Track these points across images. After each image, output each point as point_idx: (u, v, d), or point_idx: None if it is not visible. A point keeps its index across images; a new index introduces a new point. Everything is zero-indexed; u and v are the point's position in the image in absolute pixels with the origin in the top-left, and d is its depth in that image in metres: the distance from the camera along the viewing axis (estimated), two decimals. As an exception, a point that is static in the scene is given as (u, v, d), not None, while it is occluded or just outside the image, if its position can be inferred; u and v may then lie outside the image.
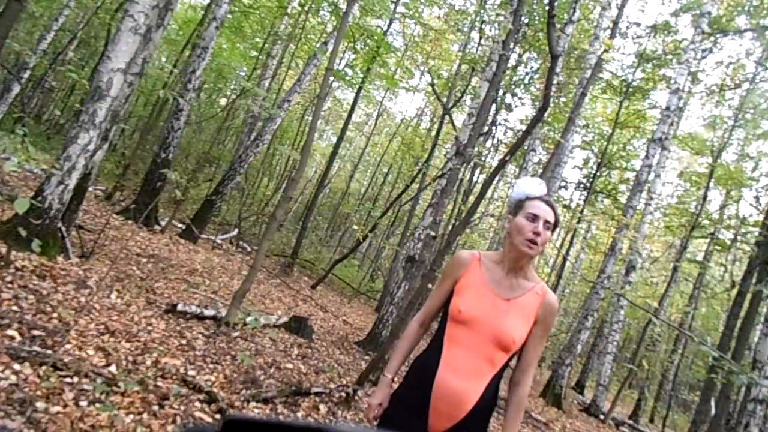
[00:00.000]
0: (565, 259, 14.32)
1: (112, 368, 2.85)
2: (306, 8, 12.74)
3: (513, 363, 1.72)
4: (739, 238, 12.21)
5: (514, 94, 12.88)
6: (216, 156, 14.04)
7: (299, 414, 3.51)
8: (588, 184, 13.04)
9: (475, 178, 15.32)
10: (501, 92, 11.75)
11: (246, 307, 4.96)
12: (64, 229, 4.49)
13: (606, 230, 17.40)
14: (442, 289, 1.71)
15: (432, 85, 12.16)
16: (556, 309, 1.63)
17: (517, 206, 1.64)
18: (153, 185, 8.17)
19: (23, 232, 3.57)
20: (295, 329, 5.54)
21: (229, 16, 11.05)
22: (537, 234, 1.55)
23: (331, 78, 10.89)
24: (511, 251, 1.61)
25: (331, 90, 18.66)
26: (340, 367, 5.18)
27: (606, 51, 9.56)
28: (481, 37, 13.12)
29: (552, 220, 1.59)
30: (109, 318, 3.55)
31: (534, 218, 1.57)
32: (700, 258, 14.76)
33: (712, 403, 9.31)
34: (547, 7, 3.73)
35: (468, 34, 14.37)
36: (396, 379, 1.75)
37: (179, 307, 4.37)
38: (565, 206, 15.20)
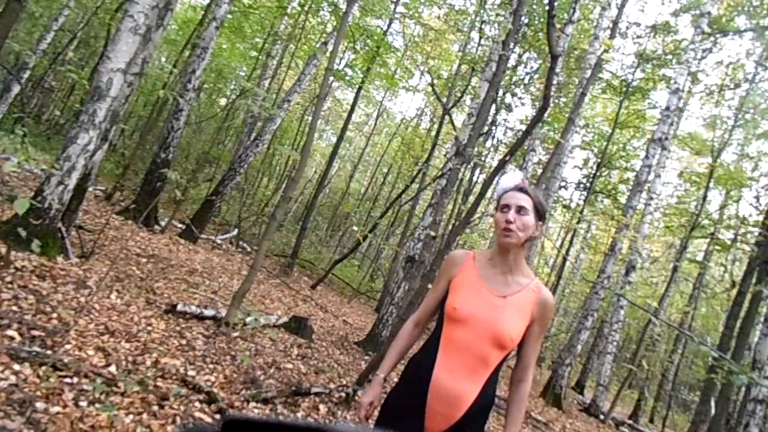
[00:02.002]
0: (565, 259, 14.33)
1: (112, 368, 2.85)
2: (306, 8, 12.74)
3: (512, 363, 1.72)
4: (739, 238, 12.21)
5: (514, 94, 12.87)
6: (216, 156, 14.04)
7: (299, 414, 3.51)
8: (588, 184, 13.04)
9: (475, 178, 15.33)
10: (501, 92, 11.74)
11: (246, 307, 4.96)
12: (63, 229, 4.49)
13: (606, 230, 17.40)
14: (438, 289, 1.71)
15: (432, 85, 12.15)
16: (552, 306, 1.63)
17: (497, 203, 1.67)
18: (153, 185, 8.17)
19: (23, 233, 3.58)
20: (294, 329, 5.54)
21: (229, 16, 11.06)
22: (508, 221, 1.56)
23: (331, 78, 10.90)
24: (497, 246, 1.64)
25: (331, 90, 18.66)
26: (340, 367, 5.18)
27: (606, 51, 9.55)
28: (481, 37, 13.13)
29: (527, 204, 1.58)
30: (109, 318, 3.55)
31: (505, 208, 1.59)
32: (700, 258, 14.76)
33: (712, 403, 9.31)
34: (547, 7, 3.73)
35: (468, 34, 14.38)
36: (388, 378, 1.75)
37: (179, 308, 4.37)
38: (565, 206, 15.23)
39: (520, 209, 1.58)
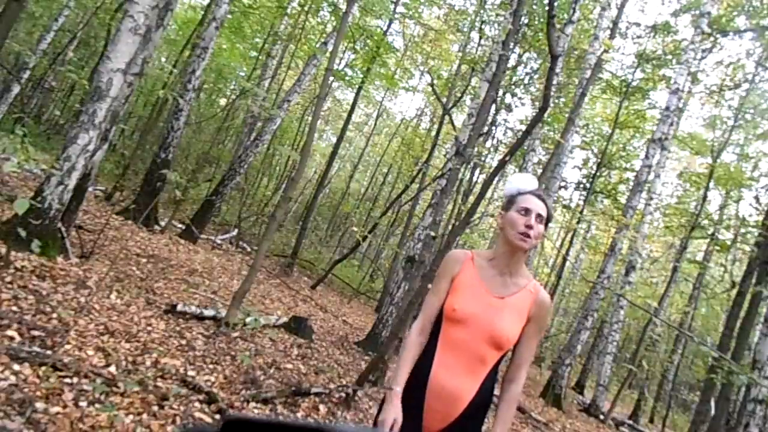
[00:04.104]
0: (565, 259, 14.32)
1: (112, 368, 2.85)
2: (306, 8, 12.74)
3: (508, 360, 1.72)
4: (739, 238, 12.20)
5: (514, 94, 12.87)
6: (216, 156, 14.05)
7: (299, 414, 3.51)
8: (588, 184, 13.04)
9: (475, 178, 15.32)
10: (501, 92, 11.74)
11: (246, 307, 4.96)
12: (63, 229, 4.48)
13: (606, 230, 17.41)
14: (440, 291, 1.67)
15: (432, 85, 12.15)
16: (548, 307, 1.63)
17: (510, 201, 1.64)
18: (153, 185, 8.17)
19: (23, 233, 3.57)
20: (294, 329, 5.54)
21: (229, 16, 11.05)
22: (529, 227, 1.55)
23: (331, 78, 10.89)
24: (504, 246, 1.61)
25: (331, 90, 18.65)
26: (340, 368, 5.18)
27: (606, 51, 9.56)
28: (481, 37, 13.13)
29: (544, 213, 1.59)
30: (109, 318, 3.55)
31: (526, 212, 1.57)
32: (699, 258, 14.76)
33: (712, 403, 9.31)
34: (547, 7, 3.73)
35: (468, 34, 14.37)
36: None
37: (179, 308, 4.37)
38: (565, 206, 15.22)
39: (538, 217, 1.58)
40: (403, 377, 1.63)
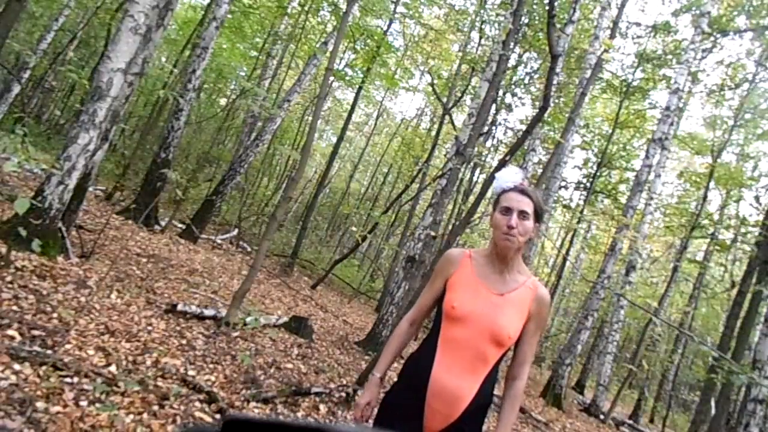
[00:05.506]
0: (565, 259, 14.32)
1: (112, 368, 2.85)
2: (306, 8, 12.74)
3: (509, 361, 1.72)
4: (739, 238, 12.20)
5: (514, 94, 12.88)
6: (216, 156, 14.05)
7: (299, 414, 3.51)
8: (588, 184, 13.04)
9: (475, 178, 15.32)
10: (501, 92, 11.75)
11: (246, 307, 4.97)
12: (64, 229, 4.48)
13: (606, 230, 17.40)
14: (434, 288, 1.70)
15: (432, 85, 12.16)
16: (548, 302, 1.63)
17: (495, 202, 1.64)
18: (153, 185, 8.17)
19: (23, 232, 3.57)
20: (295, 329, 5.54)
21: (229, 16, 11.05)
22: (510, 227, 1.54)
23: (331, 78, 10.90)
24: (495, 247, 1.61)
25: (331, 90, 18.65)
26: (340, 367, 5.18)
27: (606, 51, 9.57)
28: (481, 37, 13.14)
29: (528, 208, 1.56)
30: (109, 318, 3.55)
31: (507, 211, 1.56)
32: (700, 258, 14.76)
33: (712, 403, 9.31)
34: (547, 7, 3.73)
35: (468, 34, 14.39)
36: (386, 378, 1.74)
37: (179, 307, 4.37)
38: (565, 206, 15.23)
39: (522, 214, 1.56)
40: (385, 364, 1.72)
